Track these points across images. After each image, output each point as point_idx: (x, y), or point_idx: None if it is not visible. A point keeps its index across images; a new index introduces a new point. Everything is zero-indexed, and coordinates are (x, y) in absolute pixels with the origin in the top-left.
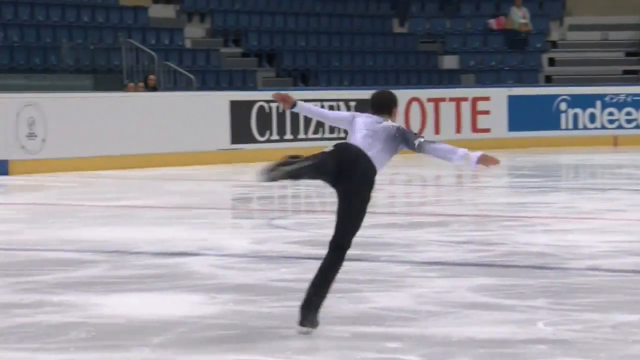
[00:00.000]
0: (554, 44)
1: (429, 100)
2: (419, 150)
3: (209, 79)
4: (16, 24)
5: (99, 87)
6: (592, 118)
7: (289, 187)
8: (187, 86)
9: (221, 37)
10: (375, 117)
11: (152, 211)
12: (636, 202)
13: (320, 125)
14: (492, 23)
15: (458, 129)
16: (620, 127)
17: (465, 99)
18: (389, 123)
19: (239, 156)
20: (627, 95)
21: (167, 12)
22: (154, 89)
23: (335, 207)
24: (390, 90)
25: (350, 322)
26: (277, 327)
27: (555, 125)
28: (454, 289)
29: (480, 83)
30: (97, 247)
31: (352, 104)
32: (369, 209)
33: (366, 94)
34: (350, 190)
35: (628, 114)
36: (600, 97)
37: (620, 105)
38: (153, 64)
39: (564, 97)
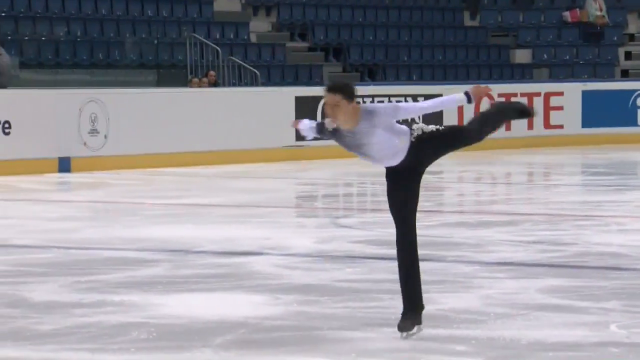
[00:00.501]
0: (631, 37)
1: (500, 95)
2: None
3: (274, 74)
4: (79, 18)
5: (162, 82)
6: None
7: (355, 185)
8: (252, 81)
9: (287, 31)
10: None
11: (215, 209)
12: None
13: None
14: (567, 15)
15: (530, 125)
16: None
17: (537, 94)
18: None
19: (304, 153)
20: None
21: (232, 5)
22: (214, 85)
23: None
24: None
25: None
26: (341, 329)
27: (632, 122)
28: (523, 290)
29: (554, 78)
30: (159, 246)
31: (421, 99)
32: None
33: (435, 89)
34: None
35: None
36: None
37: None
38: (217, 58)
39: None
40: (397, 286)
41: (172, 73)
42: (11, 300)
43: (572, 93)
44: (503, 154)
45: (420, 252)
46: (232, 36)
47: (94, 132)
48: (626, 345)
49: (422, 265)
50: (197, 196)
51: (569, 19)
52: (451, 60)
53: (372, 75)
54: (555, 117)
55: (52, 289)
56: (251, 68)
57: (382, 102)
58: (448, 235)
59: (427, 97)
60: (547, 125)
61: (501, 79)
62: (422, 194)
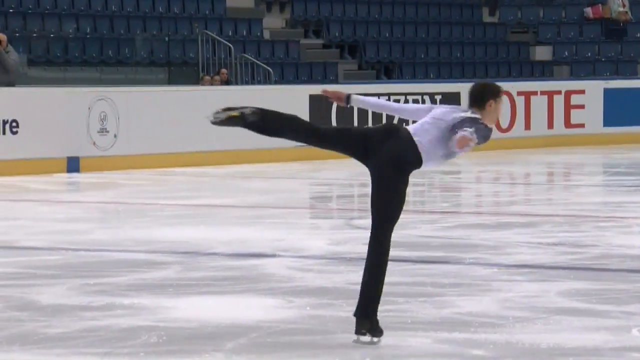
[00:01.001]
0: None
1: (520, 93)
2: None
3: (288, 71)
4: (89, 15)
5: (173, 80)
6: None
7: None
8: (265, 79)
9: (301, 27)
10: (459, 108)
11: (227, 210)
12: None
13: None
14: (589, 11)
15: (550, 124)
16: None
17: (558, 93)
18: (466, 114)
19: (318, 153)
20: None
21: (245, 1)
22: (226, 83)
23: (415, 205)
24: (491, 82)
25: (432, 328)
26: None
27: None
28: (543, 293)
29: (575, 75)
30: (170, 247)
31: (438, 97)
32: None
33: (453, 87)
34: (376, 170)
35: None
36: None
37: None
38: (230, 56)
39: None
40: (413, 289)
41: (183, 71)
42: (19, 303)
43: (593, 91)
44: (522, 153)
45: (438, 253)
46: (244, 33)
47: (103, 131)
48: None
49: (439, 268)
50: (208, 197)
51: (591, 15)
52: (469, 58)
53: (388, 73)
54: (576, 116)
55: (61, 291)
56: (264, 66)
57: (398, 101)
58: (466, 236)
59: (445, 95)
60: (567, 124)
61: (521, 76)
62: (440, 194)
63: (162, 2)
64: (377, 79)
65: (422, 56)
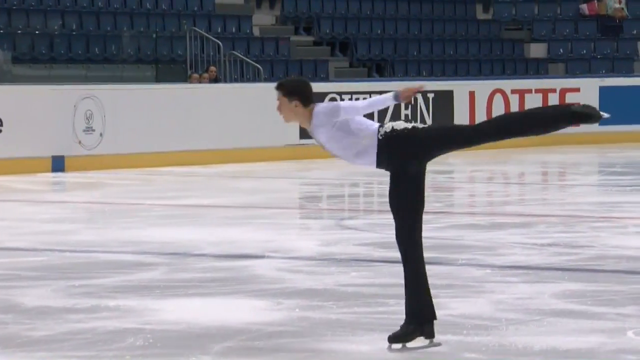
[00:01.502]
0: None
1: (514, 91)
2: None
3: (278, 69)
4: (75, 11)
5: (161, 78)
6: None
7: (361, 185)
8: (255, 77)
9: (291, 24)
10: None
11: (216, 211)
12: None
13: (397, 117)
14: (584, 8)
15: None
16: None
17: (552, 91)
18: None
19: (308, 152)
20: None
21: None
22: (215, 80)
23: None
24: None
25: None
26: (346, 335)
27: None
28: (537, 295)
29: (570, 73)
30: (157, 248)
31: (431, 96)
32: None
33: (446, 85)
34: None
35: None
36: None
37: None
38: (218, 53)
39: None
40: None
41: (171, 68)
42: (3, 305)
43: (589, 89)
44: (516, 152)
45: (430, 254)
46: (234, 30)
47: (89, 130)
48: None
49: (432, 269)
50: (197, 197)
51: (586, 12)
52: (463, 55)
53: (380, 70)
54: None
55: (46, 293)
56: (254, 63)
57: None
58: (459, 237)
59: (437, 93)
60: None
61: (515, 74)
62: (433, 194)
63: None
64: (369, 76)
65: (415, 53)
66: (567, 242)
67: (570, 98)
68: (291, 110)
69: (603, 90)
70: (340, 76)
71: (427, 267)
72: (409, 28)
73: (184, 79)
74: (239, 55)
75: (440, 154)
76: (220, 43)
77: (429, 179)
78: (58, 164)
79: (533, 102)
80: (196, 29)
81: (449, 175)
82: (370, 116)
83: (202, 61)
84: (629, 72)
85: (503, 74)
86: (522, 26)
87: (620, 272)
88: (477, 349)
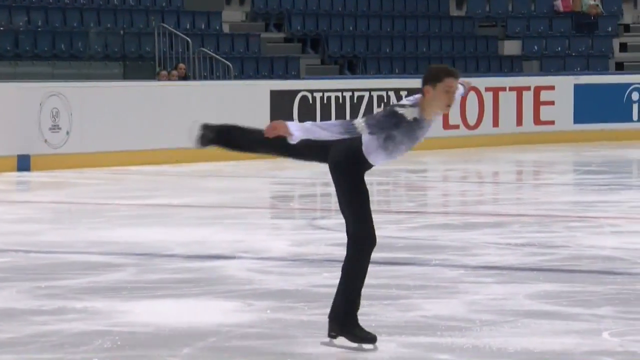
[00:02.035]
0: (626, 28)
1: (488, 89)
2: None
3: (248, 66)
4: (40, 7)
5: (129, 75)
6: None
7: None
8: (225, 74)
9: (262, 20)
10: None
11: (185, 210)
12: None
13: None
14: (559, 5)
15: (519, 121)
16: None
17: (527, 88)
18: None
19: None
20: None
21: None
22: (184, 78)
23: (379, 205)
24: (442, 65)
25: (397, 332)
26: (318, 337)
27: (626, 117)
28: (511, 295)
29: (544, 71)
30: (125, 249)
31: (404, 93)
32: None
33: (419, 82)
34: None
35: None
36: None
37: None
38: (188, 50)
39: (637, 85)
40: (377, 292)
41: (139, 65)
42: None
43: (563, 87)
44: (491, 151)
45: (403, 255)
46: (203, 26)
47: (55, 128)
48: (619, 353)
49: (405, 269)
50: (166, 196)
51: (561, 9)
52: (436, 52)
53: (352, 67)
54: (545, 113)
55: (10, 295)
56: (224, 60)
57: (363, 96)
58: (432, 237)
59: (410, 91)
60: (537, 121)
61: (489, 71)
62: (406, 194)
63: None
64: (341, 74)
65: (387, 50)
66: (542, 242)
67: (545, 96)
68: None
69: (578, 88)
70: (312, 73)
71: (400, 268)
72: (381, 25)
73: (153, 76)
74: (209, 52)
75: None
76: (189, 40)
77: (403, 178)
78: (23, 163)
79: (507, 99)
80: (165, 25)
81: (422, 175)
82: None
83: (171, 58)
84: (604, 70)
85: (477, 71)
86: (496, 23)
87: (595, 273)
88: (450, 351)
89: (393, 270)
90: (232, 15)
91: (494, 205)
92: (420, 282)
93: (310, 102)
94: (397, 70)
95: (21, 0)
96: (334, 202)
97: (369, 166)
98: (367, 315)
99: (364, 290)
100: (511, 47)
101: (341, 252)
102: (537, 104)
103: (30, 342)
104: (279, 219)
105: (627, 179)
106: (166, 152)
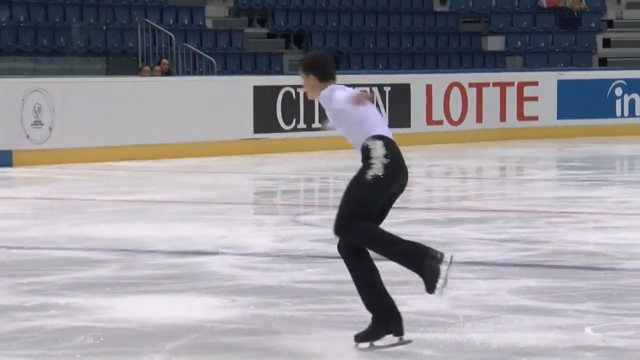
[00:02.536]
0: (609, 24)
1: (471, 85)
2: None
3: (232, 62)
4: (22, 2)
5: (112, 71)
6: None
7: (316, 180)
8: (208, 70)
9: (245, 16)
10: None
11: (168, 206)
12: None
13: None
14: (542, 1)
15: (502, 117)
16: None
17: (510, 84)
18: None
19: (262, 146)
20: None
21: None
22: (167, 73)
23: None
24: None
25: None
26: (301, 332)
27: (610, 113)
28: (494, 291)
29: (528, 66)
30: (108, 245)
31: (387, 89)
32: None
33: (403, 78)
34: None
35: None
36: None
37: None
38: (171, 45)
39: (620, 81)
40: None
41: (122, 61)
42: None
43: (547, 83)
44: (474, 147)
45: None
46: (186, 22)
47: (37, 124)
48: (601, 349)
49: (388, 265)
50: (148, 192)
51: (544, 5)
52: (420, 48)
53: (336, 63)
54: (529, 108)
55: None
56: (207, 56)
57: None
58: (415, 233)
59: (394, 86)
60: (520, 116)
61: (472, 67)
62: None
63: None
64: None
65: (371, 46)
66: (524, 237)
67: (528, 92)
68: (308, 84)
69: (561, 84)
70: (295, 69)
71: (384, 264)
72: (365, 20)
73: (135, 71)
74: (192, 47)
75: None
76: (172, 35)
77: None
78: (5, 159)
79: (491, 95)
80: (148, 20)
81: None
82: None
83: (154, 54)
84: (588, 65)
85: (460, 67)
86: (480, 19)
87: (578, 268)
88: (434, 346)
89: (377, 266)
90: (215, 11)
91: (478, 201)
92: (403, 278)
93: (294, 97)
94: (380, 66)
95: None
96: (317, 198)
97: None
98: (351, 310)
99: (351, 287)
100: (495, 43)
101: (323, 248)
102: (521, 99)
103: (12, 338)
104: (262, 215)
105: (610, 174)
106: (149, 148)
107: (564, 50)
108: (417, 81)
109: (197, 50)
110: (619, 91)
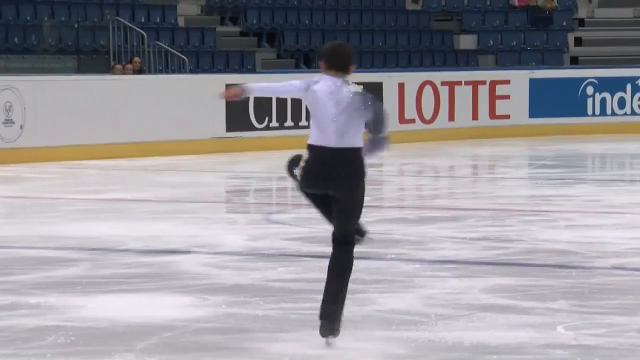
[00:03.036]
0: (581, 22)
1: (443, 83)
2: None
3: (204, 60)
4: None
5: (83, 69)
6: (622, 103)
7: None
8: (180, 68)
9: (217, 14)
10: (335, 80)
11: (140, 205)
12: None
13: None
14: None
15: (475, 115)
16: None
17: (482, 83)
18: (349, 91)
19: (235, 145)
20: None
21: None
22: (139, 72)
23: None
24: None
25: (353, 326)
26: (273, 331)
27: (581, 112)
28: (467, 289)
29: (500, 65)
30: (79, 244)
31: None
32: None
33: (375, 76)
34: (346, 190)
35: None
36: (631, 80)
37: None
38: (142, 44)
39: (591, 80)
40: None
41: (93, 59)
42: None
43: (519, 81)
44: (446, 145)
45: (359, 249)
46: (158, 20)
47: (8, 122)
48: (573, 347)
49: (361, 264)
50: (120, 191)
51: (516, 3)
52: (392, 46)
53: (308, 61)
54: (501, 107)
55: None
56: (179, 54)
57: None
58: (387, 231)
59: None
60: (492, 115)
61: (444, 66)
62: None
63: None
64: (297, 68)
65: None
66: (497, 236)
67: (500, 90)
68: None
69: (533, 83)
70: (268, 67)
71: (356, 262)
72: (337, 18)
73: (107, 70)
74: (164, 45)
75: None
76: (144, 33)
77: None
78: None
79: (463, 94)
80: (119, 18)
81: (377, 169)
82: None
83: (126, 52)
84: (559, 64)
85: (432, 65)
86: (452, 17)
87: (550, 267)
88: (406, 345)
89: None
90: (187, 9)
91: (450, 200)
92: (376, 277)
93: (266, 96)
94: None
95: None
96: (289, 196)
97: None
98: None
99: (319, 285)
100: (467, 42)
101: (296, 247)
102: (493, 98)
103: None
104: (234, 214)
105: (582, 173)
106: (121, 147)
107: (536, 49)
108: (389, 79)
109: (169, 49)
110: (590, 90)
